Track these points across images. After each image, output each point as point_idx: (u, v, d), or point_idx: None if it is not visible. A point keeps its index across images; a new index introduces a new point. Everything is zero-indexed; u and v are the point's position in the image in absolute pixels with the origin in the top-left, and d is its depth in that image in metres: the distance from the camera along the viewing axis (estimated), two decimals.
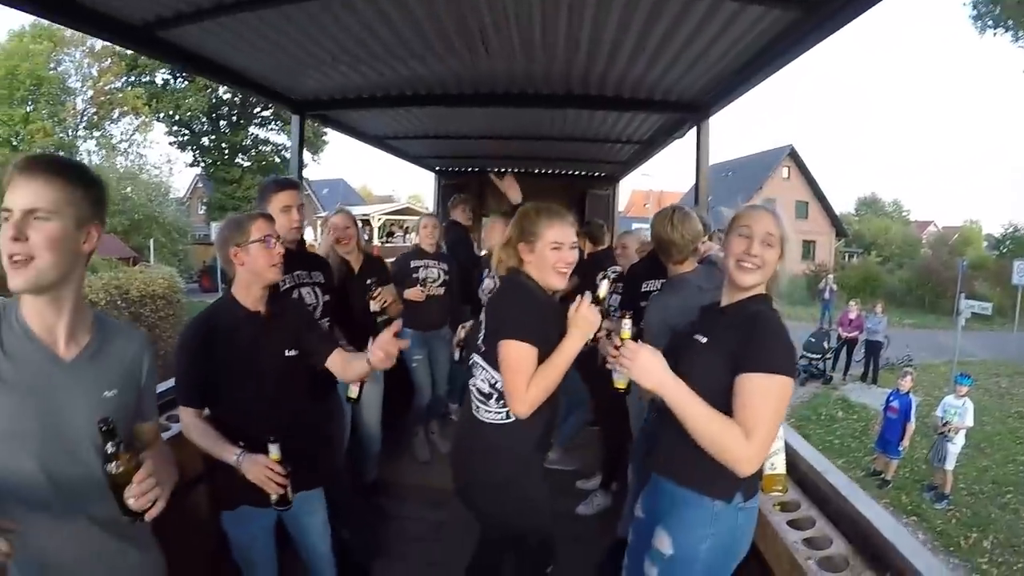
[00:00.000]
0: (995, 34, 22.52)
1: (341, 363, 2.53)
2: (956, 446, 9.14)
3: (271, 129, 37.94)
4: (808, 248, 43.78)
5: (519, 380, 2.22)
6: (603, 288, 2.34)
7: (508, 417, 2.33)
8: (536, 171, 8.77)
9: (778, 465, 2.19)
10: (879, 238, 49.07)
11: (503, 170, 6.28)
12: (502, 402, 2.34)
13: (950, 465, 9.17)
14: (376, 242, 20.86)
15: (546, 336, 2.26)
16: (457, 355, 4.20)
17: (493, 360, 2.32)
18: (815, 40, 2.92)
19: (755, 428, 1.80)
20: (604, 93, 4.53)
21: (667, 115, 5.08)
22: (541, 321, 2.29)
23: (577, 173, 8.82)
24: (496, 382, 2.34)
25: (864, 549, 2.09)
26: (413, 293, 4.75)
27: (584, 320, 2.21)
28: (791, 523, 2.31)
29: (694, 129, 4.77)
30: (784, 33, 3.03)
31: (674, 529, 2.04)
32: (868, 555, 2.06)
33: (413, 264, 4.93)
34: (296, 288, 3.26)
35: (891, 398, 9.76)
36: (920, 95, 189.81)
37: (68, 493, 1.47)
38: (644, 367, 1.92)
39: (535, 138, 6.44)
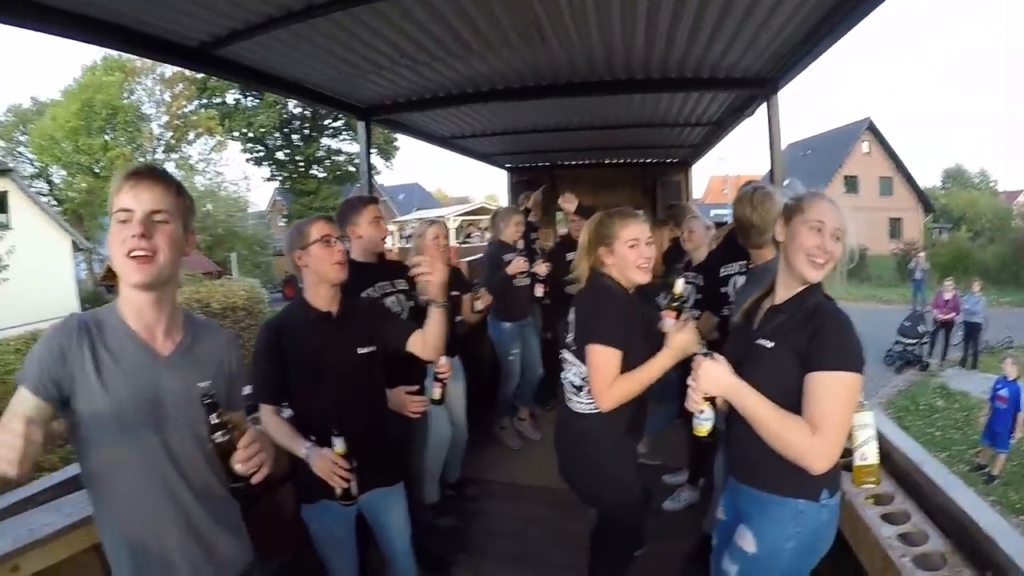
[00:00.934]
0: None
1: (422, 343, 2.63)
2: None
3: (343, 139, 39.26)
4: (895, 226, 42.80)
5: (604, 380, 2.46)
6: (679, 286, 2.56)
7: (596, 408, 2.56)
8: (607, 161, 8.87)
9: (869, 455, 2.18)
10: (968, 212, 47.06)
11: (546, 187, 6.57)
12: (591, 395, 2.56)
13: None
14: (454, 242, 21.13)
15: (629, 337, 2.49)
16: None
17: (582, 357, 2.55)
18: (876, 3, 2.90)
19: (823, 424, 1.83)
20: (667, 75, 4.52)
21: (734, 93, 5.03)
22: (624, 324, 2.51)
23: (648, 161, 8.84)
24: (585, 375, 2.56)
25: (962, 546, 2.00)
26: (517, 265, 4.89)
27: (681, 342, 2.38)
28: (885, 517, 2.24)
29: (764, 106, 4.67)
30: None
31: (758, 528, 2.08)
32: (967, 552, 1.97)
33: (505, 257, 5.02)
34: (382, 299, 3.34)
35: (998, 386, 9.15)
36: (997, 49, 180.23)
37: (175, 476, 1.65)
38: (708, 377, 1.98)
39: (602, 127, 6.48)
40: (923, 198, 44.61)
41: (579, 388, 2.64)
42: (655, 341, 2.54)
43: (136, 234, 1.52)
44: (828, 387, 1.84)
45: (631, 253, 2.58)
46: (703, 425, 2.11)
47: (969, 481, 8.90)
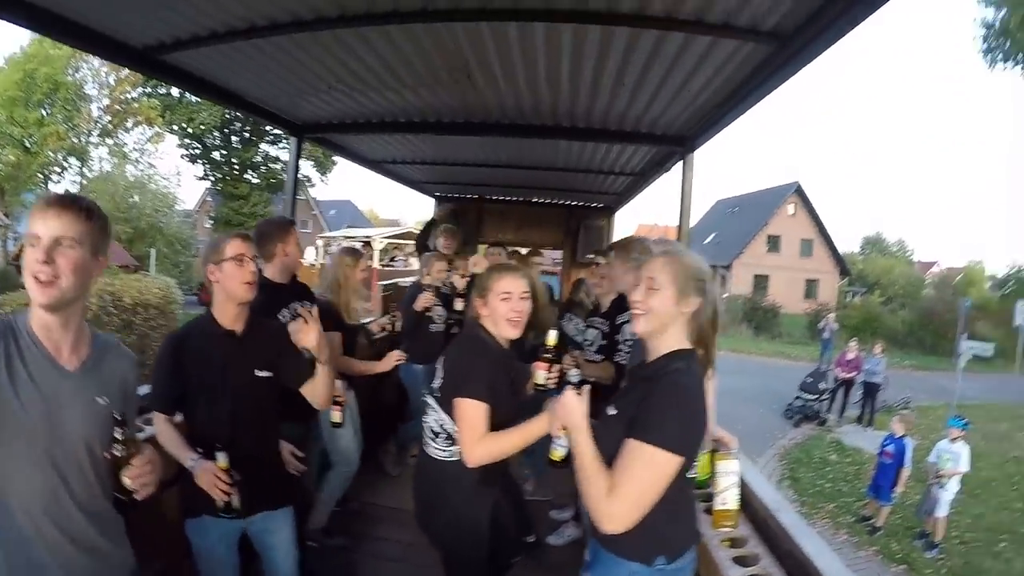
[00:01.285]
0: (1005, 68, 22.79)
1: (311, 392, 2.74)
2: (949, 493, 9.07)
3: (283, 147, 38.19)
4: (811, 287, 44.47)
5: (472, 435, 2.47)
6: (551, 337, 2.68)
7: (452, 456, 2.60)
8: (534, 200, 9.04)
9: (729, 501, 2.29)
10: (883, 278, 49.51)
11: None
12: (449, 442, 2.61)
13: (942, 512, 9.08)
14: (376, 264, 21.14)
15: (497, 390, 2.51)
16: None
17: (445, 405, 2.59)
18: (790, 73, 3.03)
19: (619, 491, 1.85)
20: (591, 125, 4.73)
21: (655, 148, 5.24)
22: (493, 378, 2.53)
23: (574, 204, 9.03)
24: (444, 423, 2.61)
25: None
26: (424, 299, 5.14)
27: (563, 410, 2.09)
28: (737, 559, 2.40)
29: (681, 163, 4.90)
30: (761, 66, 3.15)
31: None
32: None
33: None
34: (294, 319, 3.28)
35: (886, 442, 9.69)
36: (926, 130, 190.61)
37: (60, 485, 1.73)
38: (564, 407, 2.06)
39: (530, 167, 6.64)
40: (840, 262, 46.56)
41: (437, 434, 2.66)
42: (523, 397, 2.76)
43: (40, 259, 1.64)
44: (636, 457, 1.85)
45: (502, 306, 2.63)
46: (558, 451, 2.24)
47: (854, 531, 9.47)
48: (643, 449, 1.84)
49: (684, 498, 2.10)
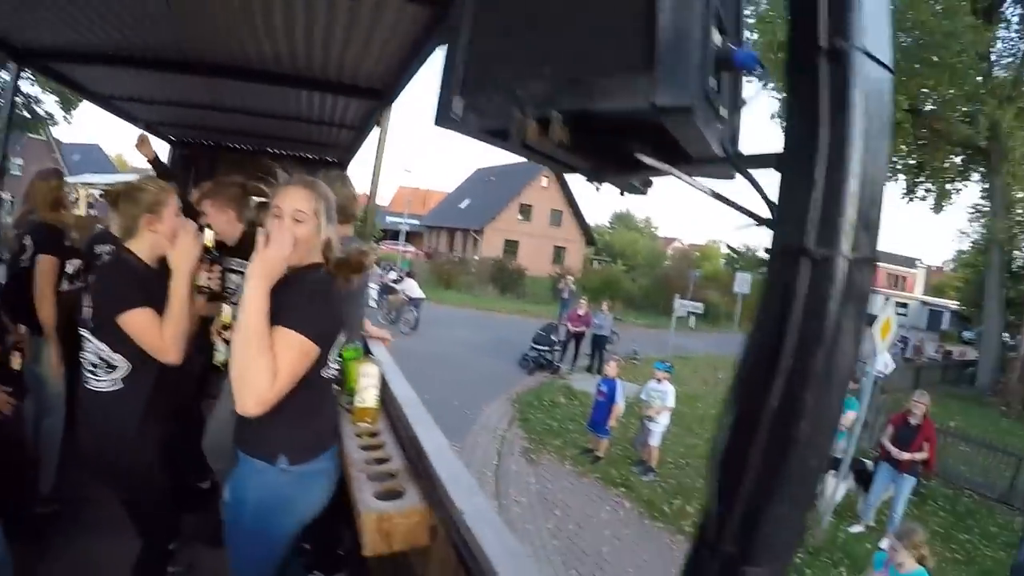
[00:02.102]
0: (749, 82, 25.80)
1: None
2: (660, 425, 9.78)
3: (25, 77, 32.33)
4: (559, 253, 47.29)
5: (153, 337, 2.52)
6: (207, 238, 2.95)
7: (114, 384, 2.56)
8: (269, 150, 8.68)
9: (368, 400, 2.91)
10: (627, 249, 53.42)
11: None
12: (110, 370, 2.56)
13: (655, 442, 9.76)
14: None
15: (152, 295, 2.54)
16: None
17: (100, 333, 2.54)
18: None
19: (279, 374, 2.04)
20: (305, 74, 4.71)
21: (364, 100, 5.22)
22: (144, 287, 2.56)
23: (307, 156, 8.72)
24: (101, 352, 2.54)
25: (415, 463, 2.54)
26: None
27: (182, 254, 2.57)
28: (366, 447, 2.75)
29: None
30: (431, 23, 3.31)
31: (233, 479, 2.34)
32: (417, 468, 2.51)
33: None
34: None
35: (600, 384, 10.45)
36: None
37: None
38: (266, 256, 2.12)
39: (261, 115, 6.45)
40: (587, 231, 50.00)
41: (96, 366, 2.56)
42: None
43: None
44: (281, 339, 2.07)
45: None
46: (218, 356, 2.69)
47: (578, 462, 9.88)
48: (287, 335, 2.07)
49: (312, 403, 2.31)
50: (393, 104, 4.88)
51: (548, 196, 48.87)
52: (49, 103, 32.24)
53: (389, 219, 53.88)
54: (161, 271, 2.64)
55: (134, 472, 2.62)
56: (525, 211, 48.08)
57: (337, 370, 2.50)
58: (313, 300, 2.20)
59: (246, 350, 2.02)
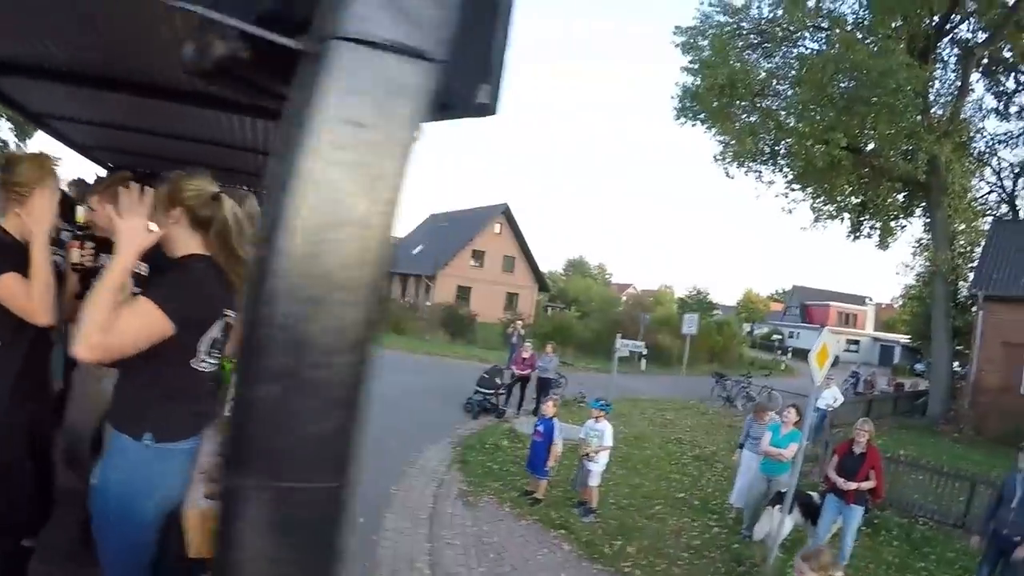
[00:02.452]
0: (693, 125, 28.23)
1: None
2: (599, 465, 9.59)
3: None
4: (512, 299, 47.65)
5: (20, 301, 2.52)
6: (79, 214, 3.11)
7: None
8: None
9: None
10: (581, 295, 53.81)
11: None
12: None
13: (594, 482, 9.54)
14: None
15: (17, 266, 2.54)
16: None
17: None
18: None
19: (115, 324, 2.12)
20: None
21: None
22: (11, 260, 2.55)
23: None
24: None
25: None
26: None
27: (38, 216, 2.60)
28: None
29: None
30: None
31: (104, 457, 2.40)
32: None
33: None
34: None
35: (537, 423, 10.29)
36: (634, 171, 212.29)
37: None
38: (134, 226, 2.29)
39: (189, 140, 6.23)
40: (540, 278, 50.26)
41: None
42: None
43: None
44: (136, 306, 2.22)
45: None
46: None
47: (517, 505, 9.51)
48: (143, 302, 2.22)
49: (184, 386, 2.41)
50: None
51: (501, 242, 49.21)
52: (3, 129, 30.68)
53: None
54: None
55: None
56: (478, 256, 48.24)
57: (215, 368, 2.55)
58: (182, 284, 2.36)
59: (94, 298, 2.13)
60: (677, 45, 26.59)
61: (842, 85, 23.79)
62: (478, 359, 26.81)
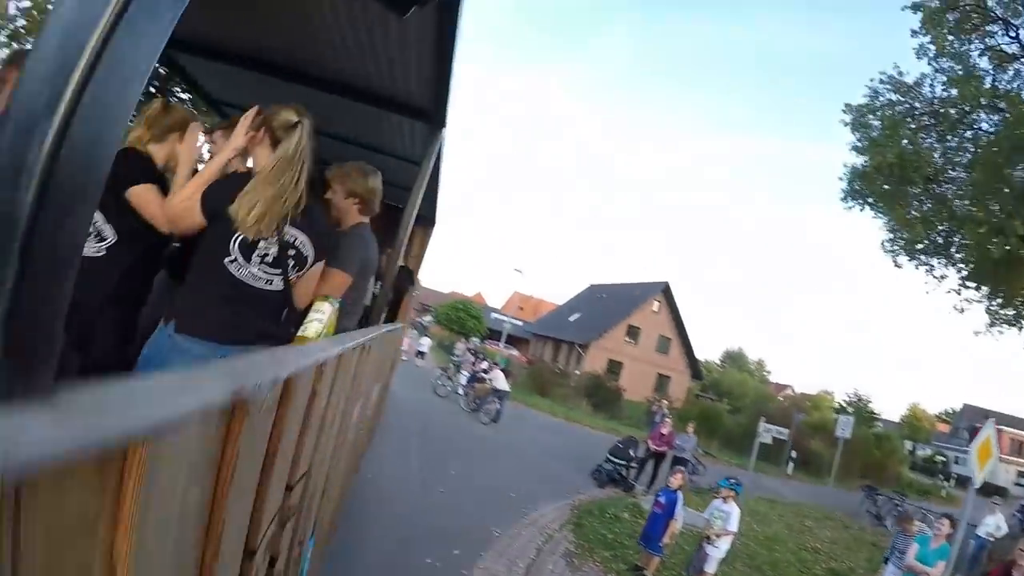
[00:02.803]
0: (861, 209, 25.78)
1: None
2: (719, 550, 8.88)
3: None
4: (663, 382, 46.71)
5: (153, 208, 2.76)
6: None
7: (99, 252, 2.78)
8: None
9: (308, 331, 2.99)
10: (735, 389, 51.82)
11: None
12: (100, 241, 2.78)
13: (711, 569, 8.83)
14: None
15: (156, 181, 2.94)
16: None
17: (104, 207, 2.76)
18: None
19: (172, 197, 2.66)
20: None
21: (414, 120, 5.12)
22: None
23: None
24: (96, 223, 2.77)
25: None
26: None
27: (186, 147, 2.98)
28: None
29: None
30: None
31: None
32: None
33: None
34: None
35: (659, 494, 9.66)
36: (798, 261, 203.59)
37: None
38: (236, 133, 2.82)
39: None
40: (694, 364, 48.92)
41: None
42: None
43: None
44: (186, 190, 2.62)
45: None
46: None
47: None
48: (191, 188, 2.65)
49: (213, 283, 2.56)
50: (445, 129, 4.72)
51: (658, 321, 48.58)
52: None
53: (494, 316, 54.96)
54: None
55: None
56: (633, 332, 47.70)
57: (266, 282, 2.65)
58: (223, 183, 2.63)
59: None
60: (846, 124, 25.31)
61: (1019, 168, 21.44)
62: (617, 432, 26.32)
